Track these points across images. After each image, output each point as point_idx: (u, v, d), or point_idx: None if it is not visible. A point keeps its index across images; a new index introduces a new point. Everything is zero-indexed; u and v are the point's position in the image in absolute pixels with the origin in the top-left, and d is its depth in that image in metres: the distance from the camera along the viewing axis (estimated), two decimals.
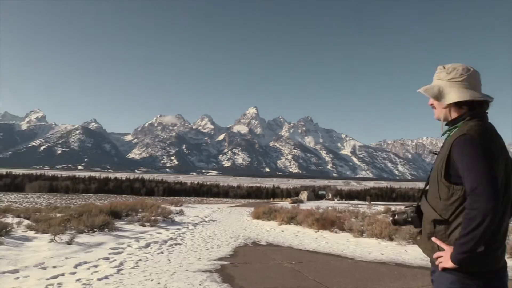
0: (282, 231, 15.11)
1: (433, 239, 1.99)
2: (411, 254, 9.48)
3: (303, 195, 66.65)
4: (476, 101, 2.02)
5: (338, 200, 66.76)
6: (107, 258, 7.90)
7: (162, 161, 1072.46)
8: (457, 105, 2.04)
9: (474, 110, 2.02)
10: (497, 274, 1.90)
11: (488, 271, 1.87)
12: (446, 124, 2.11)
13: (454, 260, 1.85)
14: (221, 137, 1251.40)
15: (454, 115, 2.07)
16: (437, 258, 1.96)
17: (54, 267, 6.84)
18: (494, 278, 1.89)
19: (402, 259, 8.95)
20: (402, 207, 2.29)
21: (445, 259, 1.90)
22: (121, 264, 7.41)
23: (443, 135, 2.12)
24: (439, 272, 1.98)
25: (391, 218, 2.32)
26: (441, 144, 2.17)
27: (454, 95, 2.03)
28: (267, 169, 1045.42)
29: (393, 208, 26.17)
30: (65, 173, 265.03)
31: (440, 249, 1.96)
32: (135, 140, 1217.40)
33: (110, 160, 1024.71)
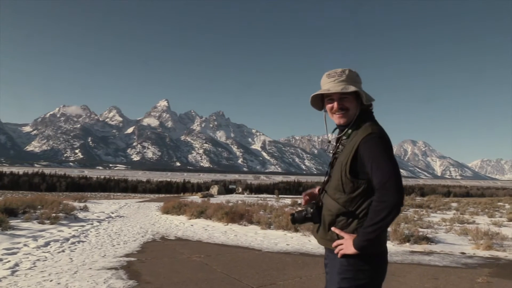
0: (192, 225, 15.08)
1: (333, 228, 2.15)
2: (314, 244, 10.01)
3: (214, 189, 66.87)
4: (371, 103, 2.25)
5: (248, 194, 67.96)
6: (0, 260, 7.29)
7: (65, 155, 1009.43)
8: (359, 105, 2.23)
9: (367, 111, 2.25)
10: (383, 254, 2.14)
11: (377, 253, 2.10)
12: (349, 125, 2.23)
13: (356, 247, 2.01)
14: (130, 130, 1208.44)
15: (352, 115, 2.23)
16: (335, 247, 2.13)
17: None
18: (381, 258, 2.13)
19: (306, 249, 9.43)
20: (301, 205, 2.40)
21: (346, 246, 2.05)
22: (16, 265, 6.88)
23: (344, 135, 2.24)
24: (334, 258, 2.17)
25: (290, 217, 2.36)
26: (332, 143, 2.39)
27: (367, 97, 2.20)
28: (178, 163, 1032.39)
29: (299, 201, 27.14)
30: None
31: (339, 237, 2.12)
32: (35, 132, 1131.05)
33: (5, 153, 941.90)
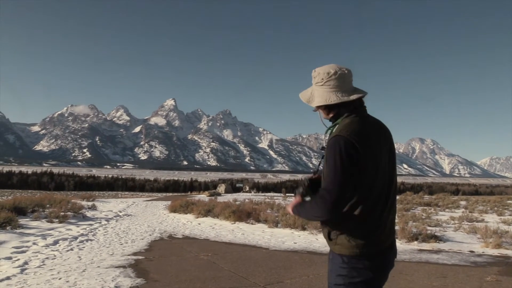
0: (199, 223, 15.12)
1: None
2: (322, 242, 10.00)
3: (221, 188, 66.88)
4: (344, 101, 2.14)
5: (255, 193, 67.93)
6: (10, 258, 7.36)
7: (73, 154, 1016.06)
8: (327, 107, 2.19)
9: (344, 108, 2.16)
10: (380, 254, 2.12)
11: (371, 253, 2.08)
12: (330, 120, 2.24)
13: (290, 209, 2.27)
14: (137, 129, 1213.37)
15: (331, 115, 2.22)
16: (334, 244, 2.13)
17: None
18: (377, 257, 2.10)
19: (313, 247, 9.42)
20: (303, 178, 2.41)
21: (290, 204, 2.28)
22: (26, 263, 6.95)
23: (326, 132, 2.25)
24: (332, 255, 2.18)
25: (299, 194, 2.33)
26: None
27: (316, 99, 2.20)
28: (185, 162, 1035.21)
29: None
30: None
31: (331, 237, 2.14)
32: (43, 131, 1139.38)
33: (14, 153, 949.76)
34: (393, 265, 2.22)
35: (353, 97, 2.14)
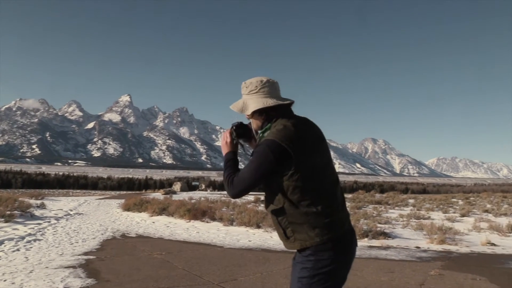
0: (153, 222, 14.92)
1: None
2: (276, 240, 10.14)
3: (176, 186, 66.22)
4: (277, 105, 2.28)
5: (211, 191, 67.68)
6: None
7: (21, 150, 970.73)
8: (263, 112, 2.30)
9: (276, 113, 2.28)
10: (341, 241, 2.18)
11: (331, 240, 2.13)
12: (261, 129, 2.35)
13: (223, 146, 2.50)
14: (90, 125, 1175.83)
15: (265, 121, 2.32)
16: (293, 243, 2.19)
17: None
18: (339, 243, 2.16)
19: (268, 245, 9.54)
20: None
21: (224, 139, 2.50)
22: None
23: (260, 138, 2.32)
24: (296, 254, 2.24)
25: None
26: None
27: (252, 105, 2.31)
28: (140, 160, 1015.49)
29: (262, 198, 27.22)
30: None
31: (288, 235, 2.19)
32: None
33: None
34: (355, 254, 2.28)
35: (287, 101, 2.30)
